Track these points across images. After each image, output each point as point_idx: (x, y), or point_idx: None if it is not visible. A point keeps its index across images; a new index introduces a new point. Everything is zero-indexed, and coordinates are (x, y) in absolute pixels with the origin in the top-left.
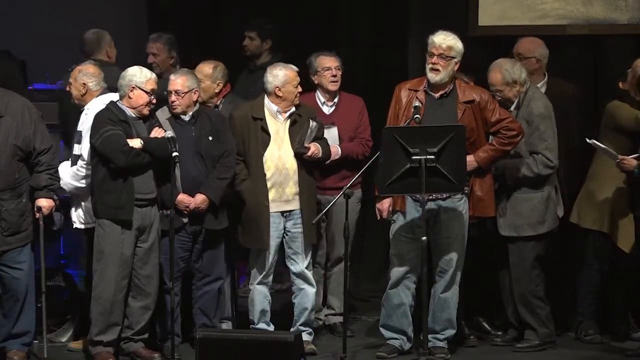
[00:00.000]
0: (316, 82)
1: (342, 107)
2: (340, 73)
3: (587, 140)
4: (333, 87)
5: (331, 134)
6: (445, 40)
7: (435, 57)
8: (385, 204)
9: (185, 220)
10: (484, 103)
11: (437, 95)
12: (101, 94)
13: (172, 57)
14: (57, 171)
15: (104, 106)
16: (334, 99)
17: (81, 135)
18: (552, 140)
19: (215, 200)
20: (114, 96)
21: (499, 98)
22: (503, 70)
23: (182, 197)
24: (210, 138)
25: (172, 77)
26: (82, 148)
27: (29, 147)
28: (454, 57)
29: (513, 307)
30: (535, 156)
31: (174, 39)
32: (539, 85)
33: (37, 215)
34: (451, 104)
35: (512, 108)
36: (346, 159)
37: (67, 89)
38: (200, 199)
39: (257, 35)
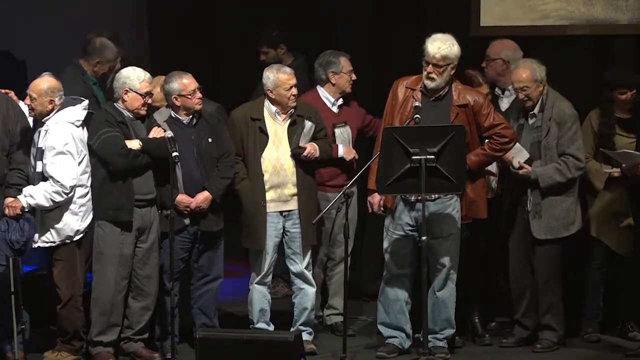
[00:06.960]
0: (333, 81)
1: (345, 107)
2: None
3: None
4: (350, 89)
5: (347, 133)
6: (439, 50)
7: (430, 66)
8: (376, 198)
9: (187, 222)
10: (478, 107)
11: (432, 97)
12: (60, 107)
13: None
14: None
15: (64, 123)
16: (340, 98)
17: (43, 152)
18: (581, 140)
19: (217, 198)
20: (74, 111)
21: (524, 96)
22: (532, 68)
23: (182, 197)
24: (210, 140)
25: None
26: (46, 166)
27: (14, 142)
28: (449, 64)
29: (525, 307)
30: (566, 160)
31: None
32: None
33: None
34: (445, 107)
35: (537, 111)
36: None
37: (27, 103)
38: (202, 197)
39: (269, 47)
